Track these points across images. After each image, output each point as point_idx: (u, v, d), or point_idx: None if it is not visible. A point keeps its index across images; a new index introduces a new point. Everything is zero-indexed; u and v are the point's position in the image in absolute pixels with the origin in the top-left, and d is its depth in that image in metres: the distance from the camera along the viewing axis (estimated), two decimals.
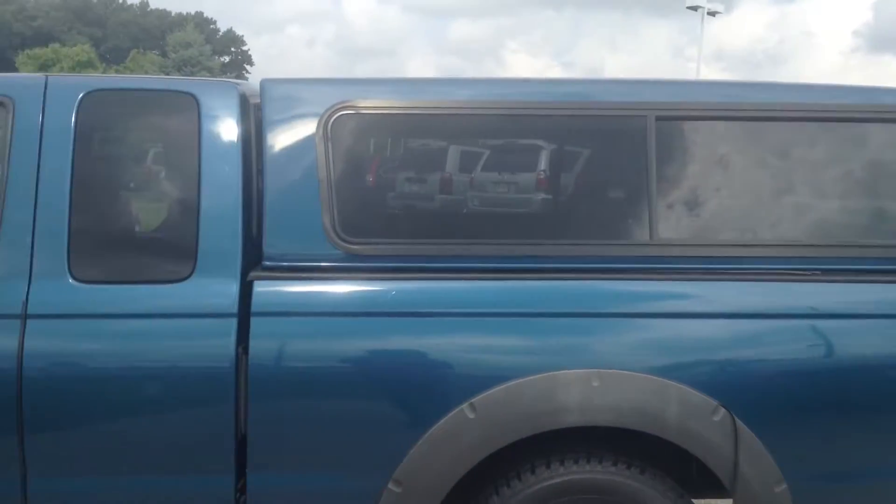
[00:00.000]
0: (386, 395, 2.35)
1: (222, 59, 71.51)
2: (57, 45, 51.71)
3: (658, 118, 2.48)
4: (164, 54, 60.66)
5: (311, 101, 2.46)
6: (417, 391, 2.34)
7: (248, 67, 74.14)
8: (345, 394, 2.34)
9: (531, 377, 2.31)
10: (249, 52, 79.25)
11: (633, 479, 2.40)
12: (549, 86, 2.68)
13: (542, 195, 2.84)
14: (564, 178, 2.80)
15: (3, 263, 2.33)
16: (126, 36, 71.66)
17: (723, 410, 2.33)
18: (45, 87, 2.43)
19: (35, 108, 2.40)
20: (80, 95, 2.42)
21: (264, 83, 2.47)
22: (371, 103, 2.47)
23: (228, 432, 2.31)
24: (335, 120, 2.43)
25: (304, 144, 2.43)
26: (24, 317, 2.29)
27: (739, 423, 2.34)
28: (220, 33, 76.72)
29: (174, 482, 2.35)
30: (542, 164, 2.78)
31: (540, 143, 2.79)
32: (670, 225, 2.50)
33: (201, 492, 2.35)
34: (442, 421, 2.31)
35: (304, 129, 2.43)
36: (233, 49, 77.78)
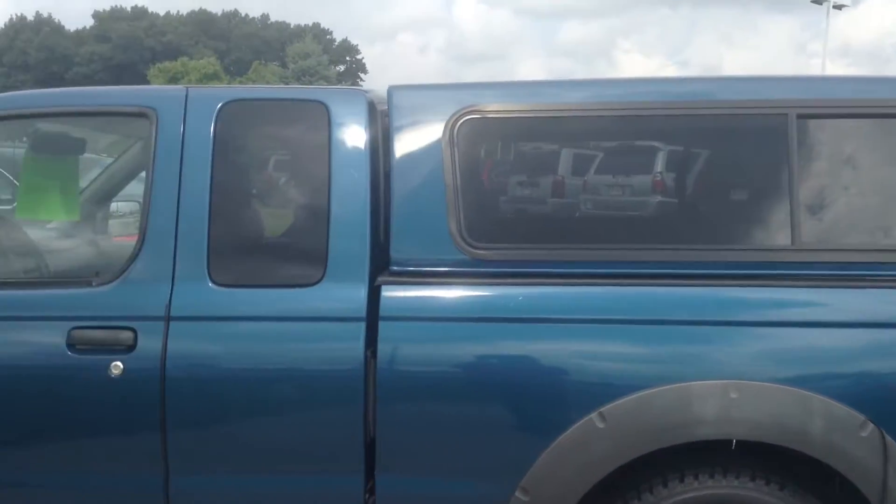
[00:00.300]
0: (512, 401, 2.33)
1: (338, 69, 73.48)
2: (185, 59, 54.52)
3: (800, 116, 2.36)
4: (283, 65, 62.89)
5: (437, 107, 2.46)
6: (544, 398, 2.31)
7: (362, 76, 75.93)
8: (470, 399, 2.33)
9: (664, 387, 2.23)
10: (363, 61, 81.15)
11: (771, 496, 2.29)
12: (704, 84, 2.59)
13: (677, 199, 2.75)
14: (700, 181, 2.70)
15: (148, 268, 2.44)
16: (248, 48, 74.70)
17: (871, 425, 2.19)
18: (186, 99, 2.53)
19: (177, 118, 2.50)
20: (219, 106, 2.51)
21: (391, 90, 2.50)
22: (496, 107, 2.46)
23: (357, 434, 2.35)
24: (461, 124, 2.43)
25: (431, 149, 2.43)
26: (168, 319, 2.39)
27: (889, 438, 2.19)
28: (336, 43, 78.90)
29: (307, 481, 2.40)
30: (681, 166, 2.70)
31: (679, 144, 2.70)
32: (814, 229, 2.37)
33: (332, 492, 2.39)
34: (570, 430, 2.27)
35: (430, 134, 2.44)
36: (348, 58, 79.80)
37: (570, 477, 2.29)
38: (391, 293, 2.37)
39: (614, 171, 2.80)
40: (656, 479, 2.34)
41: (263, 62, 61.18)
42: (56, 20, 78.91)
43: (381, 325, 2.33)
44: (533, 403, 2.32)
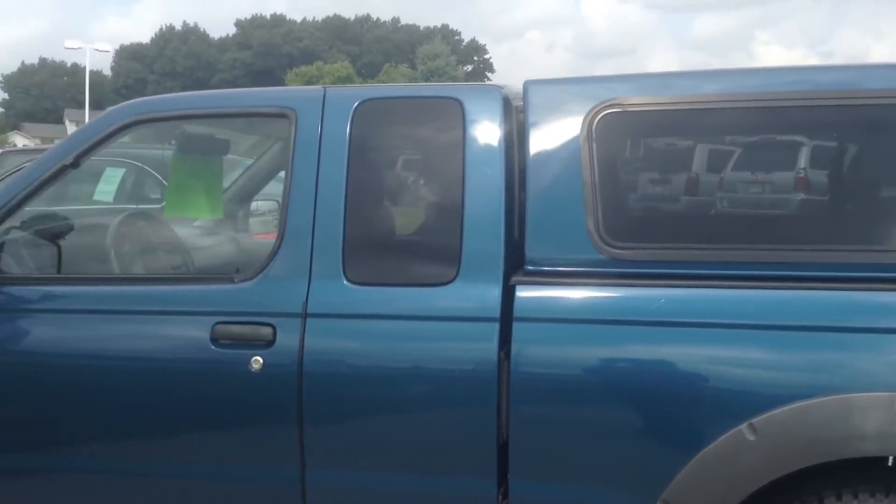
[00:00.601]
0: (652, 409, 2.22)
1: (466, 69, 74.17)
2: (320, 63, 56.52)
3: None
4: (412, 66, 64.03)
5: (575, 101, 2.38)
6: (687, 407, 2.19)
7: (489, 75, 76.34)
8: (608, 405, 2.24)
9: (823, 398, 2.07)
10: (491, 60, 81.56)
11: None
12: None
13: (830, 197, 2.55)
14: (851, 176, 2.50)
15: (287, 265, 2.48)
16: (379, 51, 76.64)
17: None
18: (324, 99, 2.56)
19: (314, 118, 2.53)
20: (355, 105, 2.52)
21: (527, 85, 2.44)
22: (638, 100, 2.35)
23: (490, 436, 2.30)
24: (600, 119, 2.33)
25: (568, 145, 2.36)
26: (305, 315, 2.42)
27: None
28: (464, 43, 79.74)
29: (440, 482, 2.37)
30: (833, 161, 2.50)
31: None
32: None
33: (465, 494, 2.35)
34: (717, 441, 2.13)
35: (568, 129, 2.36)
36: (476, 58, 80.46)
37: (717, 491, 2.16)
38: (526, 293, 2.31)
39: (758, 166, 2.64)
40: (811, 496, 2.17)
41: (394, 64, 62.54)
42: (201, 29, 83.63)
43: (516, 325, 2.28)
44: (675, 412, 2.20)
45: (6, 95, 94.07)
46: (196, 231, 3.65)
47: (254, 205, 3.83)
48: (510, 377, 2.27)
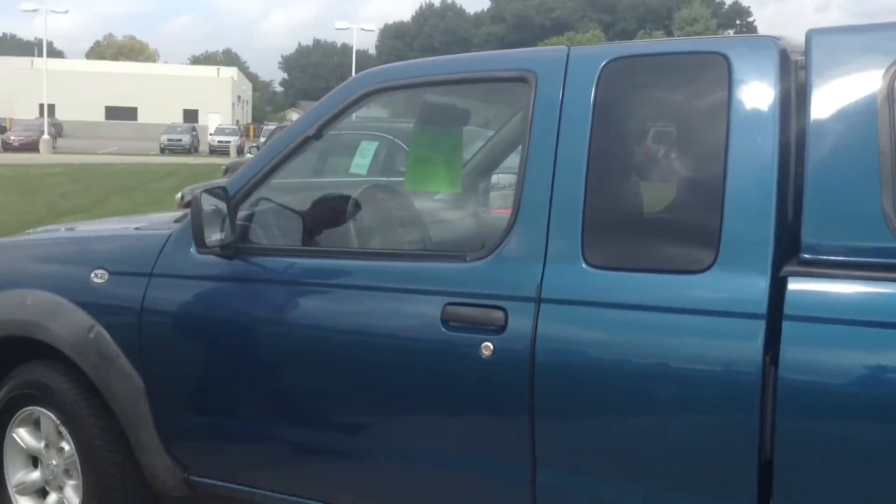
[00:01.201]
0: None
1: (727, 33, 70.17)
2: (571, 34, 56.08)
3: None
4: (668, 33, 61.59)
5: (873, 53, 1.96)
6: None
7: None
8: None
9: None
10: (755, 23, 76.55)
11: None
12: None
13: None
14: None
15: (521, 244, 2.28)
16: (633, 18, 74.66)
17: None
18: (567, 60, 2.32)
19: (556, 82, 2.30)
20: (601, 65, 2.25)
21: (811, 34, 2.04)
22: None
23: (750, 452, 1.96)
24: None
25: (862, 107, 1.93)
26: (539, 300, 2.21)
27: None
28: (726, 6, 75.37)
29: (688, 499, 2.07)
30: None
31: None
32: None
33: None
34: None
35: (862, 87, 1.94)
36: (738, 21, 75.90)
37: None
38: (800, 286, 1.93)
39: None
40: None
41: (648, 31, 60.52)
42: (458, 5, 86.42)
43: (786, 325, 1.91)
44: None
45: (286, 75, 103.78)
46: (435, 205, 3.57)
47: (494, 178, 3.68)
48: (777, 385, 1.91)
